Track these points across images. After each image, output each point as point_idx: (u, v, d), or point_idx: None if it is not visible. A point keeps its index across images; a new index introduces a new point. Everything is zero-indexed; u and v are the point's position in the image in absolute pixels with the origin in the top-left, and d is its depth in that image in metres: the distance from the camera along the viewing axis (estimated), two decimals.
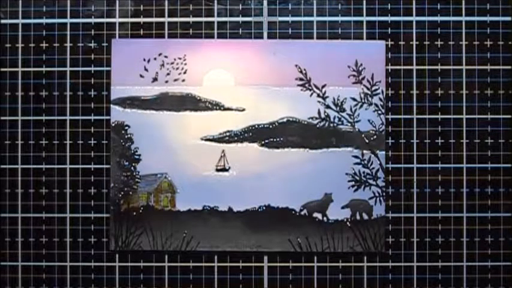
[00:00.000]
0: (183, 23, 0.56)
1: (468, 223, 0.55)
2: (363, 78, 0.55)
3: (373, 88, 0.55)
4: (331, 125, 0.55)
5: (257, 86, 0.55)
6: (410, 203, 0.55)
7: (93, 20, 0.56)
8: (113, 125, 0.55)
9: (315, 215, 0.55)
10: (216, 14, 0.56)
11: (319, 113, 0.55)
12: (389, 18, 0.56)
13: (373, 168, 0.55)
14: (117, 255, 0.55)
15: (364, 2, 0.56)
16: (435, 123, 0.55)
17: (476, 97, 0.55)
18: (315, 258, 0.55)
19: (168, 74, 0.55)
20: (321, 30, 0.56)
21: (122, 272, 0.55)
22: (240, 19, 0.56)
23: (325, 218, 0.55)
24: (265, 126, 0.55)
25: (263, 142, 0.55)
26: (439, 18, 0.55)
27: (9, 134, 0.56)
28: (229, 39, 0.55)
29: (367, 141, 0.55)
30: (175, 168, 0.55)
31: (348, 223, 0.55)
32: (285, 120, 0.55)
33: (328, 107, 0.55)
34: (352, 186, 0.55)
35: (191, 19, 0.56)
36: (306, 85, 0.55)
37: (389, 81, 0.55)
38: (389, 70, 0.55)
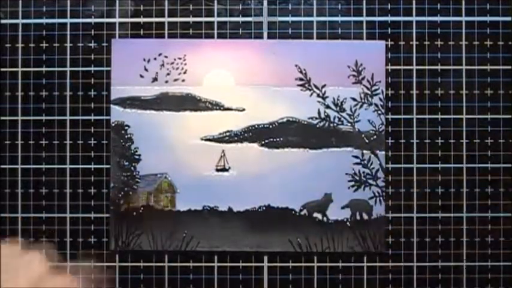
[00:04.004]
0: (183, 23, 0.56)
1: (468, 223, 0.55)
2: (363, 78, 0.55)
3: (373, 88, 0.55)
4: (331, 125, 0.55)
5: (257, 86, 0.55)
6: (410, 203, 0.55)
7: (93, 20, 0.56)
8: (113, 125, 0.55)
9: (315, 215, 0.55)
10: (216, 14, 0.56)
11: (319, 113, 0.55)
12: (389, 18, 0.56)
13: (373, 168, 0.55)
14: (117, 255, 0.55)
15: (364, 2, 0.56)
16: (435, 123, 0.55)
17: (476, 97, 0.55)
18: (315, 258, 0.55)
19: (168, 74, 0.55)
20: (321, 30, 0.56)
21: (122, 272, 0.55)
22: (240, 19, 0.56)
23: (325, 218, 0.55)
24: (265, 126, 0.55)
25: (263, 142, 0.55)
26: (439, 18, 0.55)
27: (9, 134, 0.56)
28: (229, 39, 0.55)
29: (367, 141, 0.55)
30: (175, 168, 0.55)
31: (348, 223, 0.55)
32: (285, 120, 0.55)
33: (328, 107, 0.55)
34: (352, 186, 0.55)
35: (191, 19, 0.56)
36: (306, 85, 0.55)
37: (390, 81, 0.55)
38: (389, 70, 0.55)
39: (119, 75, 0.55)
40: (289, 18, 0.56)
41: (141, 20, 0.56)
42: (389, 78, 0.55)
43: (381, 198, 0.55)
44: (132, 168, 0.55)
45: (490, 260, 0.55)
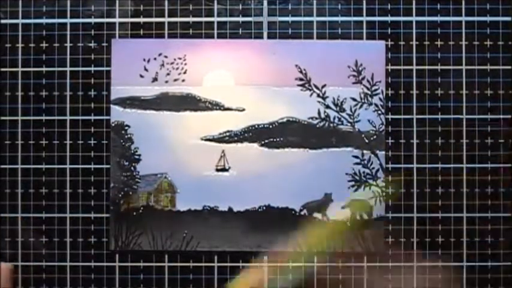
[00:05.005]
0: (183, 23, 0.56)
1: (468, 223, 0.55)
2: (363, 78, 0.55)
3: (373, 88, 0.55)
4: (331, 125, 0.55)
5: (257, 86, 0.55)
6: (410, 203, 0.55)
7: (93, 20, 0.56)
8: (113, 125, 0.55)
9: (315, 215, 0.55)
10: (216, 14, 0.56)
11: (319, 113, 0.55)
12: (389, 18, 0.56)
13: (373, 168, 0.55)
14: (117, 255, 0.55)
15: (364, 2, 0.56)
16: (435, 123, 0.55)
17: (476, 97, 0.55)
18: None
19: (168, 74, 0.55)
20: (321, 30, 0.56)
21: (122, 272, 0.55)
22: (240, 19, 0.56)
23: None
24: (265, 126, 0.55)
25: (263, 142, 0.55)
26: (439, 18, 0.55)
27: (9, 134, 0.56)
28: (229, 39, 0.55)
29: (367, 141, 0.55)
30: (175, 168, 0.55)
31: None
32: (285, 120, 0.55)
33: (328, 107, 0.55)
34: (352, 186, 0.55)
35: (191, 19, 0.56)
36: (306, 85, 0.55)
37: (390, 81, 0.55)
38: (389, 70, 0.55)
39: (119, 75, 0.55)
40: (289, 18, 0.56)
41: (141, 20, 0.56)
42: (389, 78, 0.55)
43: (381, 198, 0.55)
44: (132, 168, 0.55)
45: (490, 260, 0.55)
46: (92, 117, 0.56)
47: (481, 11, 0.55)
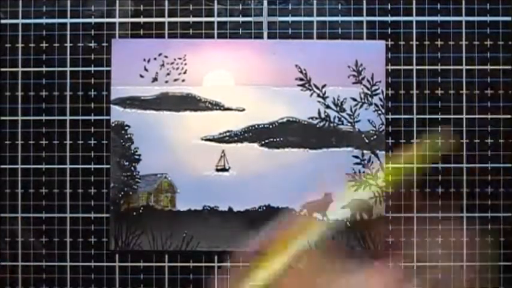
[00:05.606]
0: (183, 23, 0.56)
1: (468, 223, 0.55)
2: (363, 78, 0.55)
3: (373, 88, 0.55)
4: (331, 125, 0.55)
5: (257, 86, 0.55)
6: (410, 203, 0.55)
7: (93, 20, 0.56)
8: (113, 125, 0.55)
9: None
10: (216, 14, 0.56)
11: (319, 113, 0.55)
12: (389, 18, 0.56)
13: (373, 168, 0.55)
14: (117, 255, 0.55)
15: (364, 2, 0.56)
16: (435, 123, 0.55)
17: (476, 97, 0.55)
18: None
19: (168, 74, 0.55)
20: (321, 30, 0.56)
21: (122, 272, 0.55)
22: (240, 19, 0.56)
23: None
24: (265, 126, 0.55)
25: (263, 142, 0.55)
26: (439, 18, 0.55)
27: (9, 134, 0.56)
28: (229, 39, 0.55)
29: (367, 141, 0.55)
30: (175, 168, 0.55)
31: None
32: (285, 120, 0.55)
33: (328, 107, 0.55)
34: (352, 186, 0.55)
35: (191, 19, 0.56)
36: (306, 85, 0.55)
37: (390, 81, 0.55)
38: (390, 70, 0.55)
39: (119, 75, 0.55)
40: (289, 18, 0.56)
41: (141, 20, 0.56)
42: (390, 78, 0.55)
43: (381, 198, 0.55)
44: (132, 168, 0.55)
45: (490, 260, 0.55)
46: (92, 117, 0.56)
47: (481, 11, 0.55)
